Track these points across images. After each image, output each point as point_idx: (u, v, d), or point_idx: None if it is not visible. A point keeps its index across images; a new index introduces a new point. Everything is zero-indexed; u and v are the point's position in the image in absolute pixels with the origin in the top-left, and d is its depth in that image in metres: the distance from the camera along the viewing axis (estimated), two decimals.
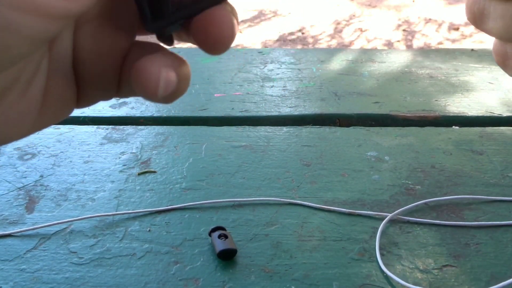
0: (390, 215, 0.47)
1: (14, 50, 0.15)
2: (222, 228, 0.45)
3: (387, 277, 0.40)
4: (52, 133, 0.64)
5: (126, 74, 0.20)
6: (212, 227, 0.45)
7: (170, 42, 0.20)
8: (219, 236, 0.43)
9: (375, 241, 0.44)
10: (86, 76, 0.20)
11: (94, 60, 0.19)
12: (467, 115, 0.68)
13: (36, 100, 0.18)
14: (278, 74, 0.84)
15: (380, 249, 0.43)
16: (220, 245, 0.42)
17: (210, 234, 0.44)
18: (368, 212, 0.48)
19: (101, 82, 0.20)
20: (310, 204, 0.49)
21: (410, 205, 0.48)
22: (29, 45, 0.15)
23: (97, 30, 0.19)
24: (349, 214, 0.48)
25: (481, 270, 0.41)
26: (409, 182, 0.53)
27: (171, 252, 0.43)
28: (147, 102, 0.73)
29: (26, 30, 0.14)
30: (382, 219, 0.47)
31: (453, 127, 0.65)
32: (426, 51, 0.96)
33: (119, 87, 0.21)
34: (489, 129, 0.64)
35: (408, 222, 0.47)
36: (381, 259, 0.42)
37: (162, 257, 0.43)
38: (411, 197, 0.50)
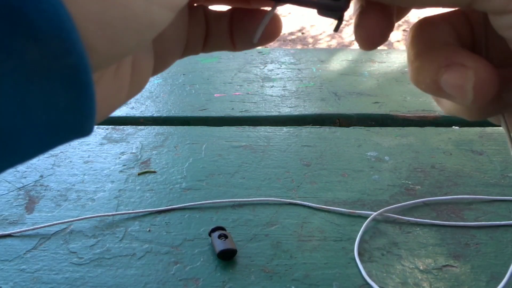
0: (375, 213, 0.47)
1: (146, 36, 0.16)
2: (222, 228, 0.45)
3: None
4: None
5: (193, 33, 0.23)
6: (212, 227, 0.45)
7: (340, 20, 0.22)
8: (219, 236, 0.43)
9: (375, 241, 0.44)
10: (162, 42, 0.22)
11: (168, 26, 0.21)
12: None
13: (127, 74, 0.20)
14: (278, 74, 0.84)
15: (380, 249, 0.43)
16: (220, 245, 0.42)
17: (210, 234, 0.44)
18: (368, 212, 0.48)
19: (174, 45, 0.22)
20: (310, 204, 0.49)
21: (404, 203, 0.48)
22: (154, 33, 0.16)
23: None
24: (349, 214, 0.48)
25: (481, 270, 0.41)
26: (409, 182, 0.53)
27: (171, 252, 0.43)
28: (147, 102, 0.73)
29: (158, 20, 0.16)
30: (382, 219, 0.47)
31: (453, 127, 0.65)
32: None
33: (187, 45, 0.23)
34: (489, 129, 0.64)
35: (408, 222, 0.47)
36: (360, 259, 0.42)
37: (162, 257, 0.43)
38: (411, 197, 0.50)
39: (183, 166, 0.56)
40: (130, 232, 0.46)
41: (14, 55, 0.12)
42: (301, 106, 0.71)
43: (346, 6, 0.20)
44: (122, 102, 0.20)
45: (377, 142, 0.61)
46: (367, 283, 0.39)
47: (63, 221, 0.47)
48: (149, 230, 0.46)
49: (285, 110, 0.70)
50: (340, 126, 0.66)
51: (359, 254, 0.43)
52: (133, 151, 0.59)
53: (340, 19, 0.21)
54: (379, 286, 0.39)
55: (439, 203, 0.49)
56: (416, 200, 0.49)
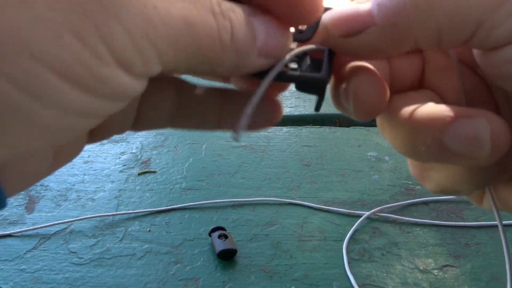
0: (368, 213, 0.47)
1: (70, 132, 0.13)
2: (222, 228, 0.45)
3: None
4: None
5: (146, 111, 0.19)
6: (212, 227, 0.45)
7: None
8: (219, 236, 0.43)
9: (375, 241, 0.44)
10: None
11: None
12: None
13: (49, 151, 0.17)
14: None
15: (380, 249, 0.43)
16: (220, 245, 0.42)
17: (210, 234, 0.44)
18: (368, 212, 0.48)
19: (117, 121, 0.19)
20: (310, 204, 0.49)
21: (403, 202, 0.48)
22: (90, 122, 0.14)
23: None
24: (349, 214, 0.48)
25: (481, 270, 0.41)
26: (409, 182, 0.53)
27: (171, 252, 0.43)
28: None
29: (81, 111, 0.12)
30: (382, 219, 0.47)
31: None
32: None
33: (136, 121, 0.19)
34: None
35: (408, 222, 0.47)
36: (349, 257, 0.42)
37: (162, 257, 0.43)
38: (411, 197, 0.50)
39: (183, 166, 0.56)
40: (130, 232, 0.46)
41: None
42: (301, 106, 0.71)
43: (328, 79, 0.17)
44: (46, 173, 0.18)
45: (377, 142, 0.61)
46: (368, 283, 0.39)
47: (63, 221, 0.47)
48: (149, 230, 0.46)
49: (285, 110, 0.70)
50: (340, 126, 0.66)
51: (351, 251, 0.43)
52: (133, 151, 0.59)
53: (322, 94, 0.18)
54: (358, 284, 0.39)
55: (439, 203, 0.49)
56: (416, 200, 0.49)
